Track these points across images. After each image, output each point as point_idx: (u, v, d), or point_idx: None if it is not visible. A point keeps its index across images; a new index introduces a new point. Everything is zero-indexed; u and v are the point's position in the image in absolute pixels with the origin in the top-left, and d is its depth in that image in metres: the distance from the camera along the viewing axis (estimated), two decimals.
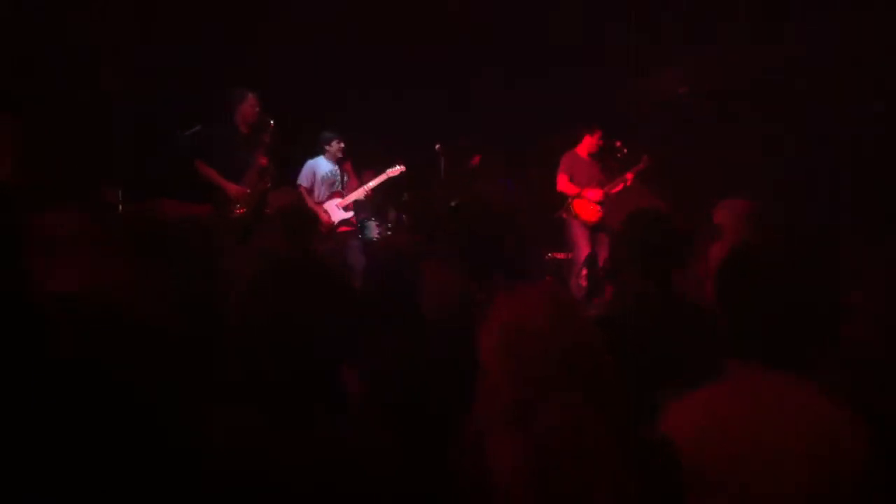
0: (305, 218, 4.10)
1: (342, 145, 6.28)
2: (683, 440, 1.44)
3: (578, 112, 6.69)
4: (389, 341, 2.09)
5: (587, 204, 6.40)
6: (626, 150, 6.45)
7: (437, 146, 6.61)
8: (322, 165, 6.33)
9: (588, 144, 6.45)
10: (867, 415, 1.43)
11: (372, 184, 6.36)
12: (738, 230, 2.96)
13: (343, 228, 6.37)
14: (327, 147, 6.28)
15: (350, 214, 6.40)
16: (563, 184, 6.47)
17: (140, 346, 1.46)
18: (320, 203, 6.29)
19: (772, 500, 1.39)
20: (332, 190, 6.35)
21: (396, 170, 6.35)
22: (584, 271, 6.43)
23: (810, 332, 1.54)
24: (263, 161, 5.31)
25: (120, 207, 4.50)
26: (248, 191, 5.25)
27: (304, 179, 6.31)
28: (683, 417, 1.48)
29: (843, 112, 5.64)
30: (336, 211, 6.35)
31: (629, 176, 6.39)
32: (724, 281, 1.64)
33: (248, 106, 5.30)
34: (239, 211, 5.23)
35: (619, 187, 6.40)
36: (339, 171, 6.36)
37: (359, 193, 6.36)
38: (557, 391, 1.41)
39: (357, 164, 6.59)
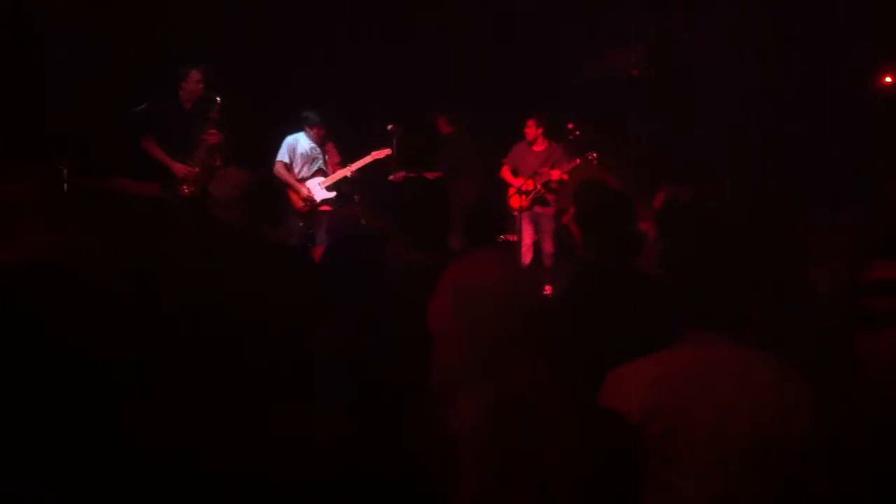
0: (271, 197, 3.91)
1: (321, 132, 6.22)
2: (630, 398, 1.49)
3: (536, 93, 6.75)
4: (353, 314, 2.08)
5: (515, 193, 6.57)
6: (578, 133, 6.49)
7: (390, 126, 6.57)
8: (302, 141, 6.25)
9: (528, 133, 6.59)
10: (818, 380, 1.50)
11: (357, 164, 6.28)
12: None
13: (325, 207, 6.31)
14: (307, 127, 6.21)
15: (332, 194, 6.33)
16: (503, 173, 6.81)
17: (94, 312, 1.44)
18: (302, 180, 6.23)
19: (717, 456, 1.45)
20: (315, 167, 6.28)
21: (382, 152, 6.30)
22: (526, 255, 6.56)
23: (758, 298, 1.60)
24: (213, 138, 5.25)
25: (66, 182, 4.38)
26: (197, 170, 5.18)
27: (282, 155, 6.22)
28: (632, 378, 1.53)
29: (803, 91, 5.76)
30: (318, 189, 6.28)
31: (557, 171, 6.40)
32: (671, 250, 1.70)
33: (192, 82, 5.31)
34: (187, 190, 5.15)
35: (553, 176, 6.43)
36: (319, 150, 6.28)
37: (343, 173, 6.29)
38: (512, 350, 1.43)
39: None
